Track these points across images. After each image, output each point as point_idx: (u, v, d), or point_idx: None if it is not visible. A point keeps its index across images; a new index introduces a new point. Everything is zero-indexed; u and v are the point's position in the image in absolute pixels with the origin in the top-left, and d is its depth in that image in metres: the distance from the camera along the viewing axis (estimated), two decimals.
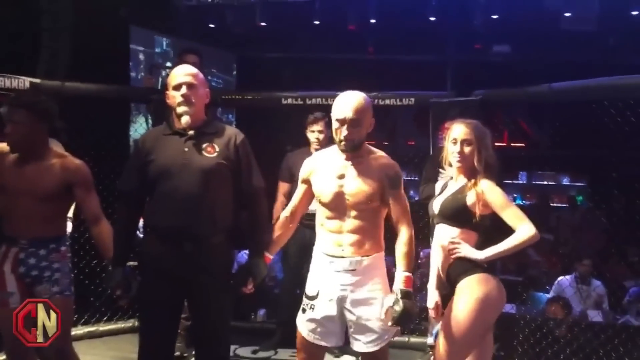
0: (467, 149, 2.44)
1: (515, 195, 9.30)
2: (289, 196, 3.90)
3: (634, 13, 5.18)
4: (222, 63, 7.47)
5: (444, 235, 2.47)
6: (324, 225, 2.46)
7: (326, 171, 2.46)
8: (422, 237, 3.87)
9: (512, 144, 8.76)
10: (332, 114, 2.41)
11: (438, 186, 2.67)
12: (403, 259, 2.39)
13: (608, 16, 5.37)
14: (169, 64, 5.62)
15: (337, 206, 2.41)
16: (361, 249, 2.40)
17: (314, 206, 2.54)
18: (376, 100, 3.89)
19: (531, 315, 4.11)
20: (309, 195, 2.54)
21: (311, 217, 2.60)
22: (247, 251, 5.88)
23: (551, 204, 9.25)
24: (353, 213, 2.40)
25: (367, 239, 2.40)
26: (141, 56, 6.38)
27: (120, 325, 4.31)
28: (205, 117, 2.50)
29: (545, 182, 9.66)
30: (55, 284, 2.55)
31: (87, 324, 4.22)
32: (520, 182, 9.49)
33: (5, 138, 2.53)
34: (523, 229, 2.35)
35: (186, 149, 2.41)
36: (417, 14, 5.91)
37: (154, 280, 2.42)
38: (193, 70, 2.48)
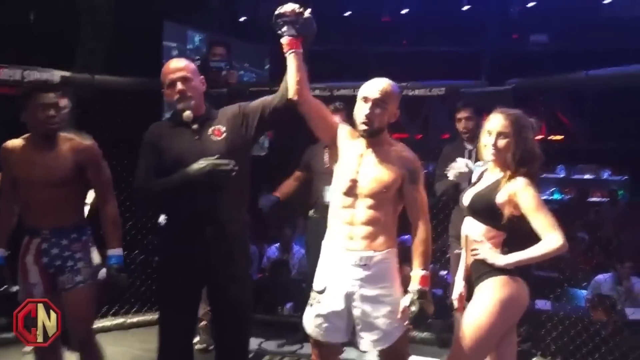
0: (501, 143, 2.30)
1: (553, 189, 9.08)
2: (299, 182, 3.94)
3: None
4: (255, 57, 7.44)
5: (471, 230, 2.39)
6: (336, 215, 2.39)
7: (347, 152, 2.40)
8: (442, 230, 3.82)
9: (550, 137, 8.53)
10: (358, 94, 2.36)
11: (475, 174, 2.58)
12: (419, 257, 2.32)
13: None
14: (197, 58, 5.69)
15: (352, 193, 2.34)
16: (374, 243, 2.32)
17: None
18: (406, 91, 3.81)
19: (566, 312, 3.98)
20: (332, 132, 2.43)
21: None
22: (277, 245, 5.93)
23: (590, 199, 8.97)
24: (367, 202, 2.33)
25: (380, 232, 2.33)
26: (174, 52, 6.43)
27: (149, 317, 4.34)
28: (205, 105, 2.51)
29: (585, 176, 9.38)
30: (77, 273, 2.57)
31: (117, 315, 4.27)
32: (559, 176, 9.24)
33: (43, 124, 2.54)
34: (550, 239, 2.20)
35: (196, 137, 2.43)
36: (451, 3, 5.80)
37: (175, 270, 2.43)
38: (182, 63, 2.48)
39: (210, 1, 6.34)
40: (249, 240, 2.59)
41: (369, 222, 2.33)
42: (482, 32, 6.43)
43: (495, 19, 6.13)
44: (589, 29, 6.01)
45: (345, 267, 2.33)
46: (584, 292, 5.11)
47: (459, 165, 3.26)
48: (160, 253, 2.52)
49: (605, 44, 6.02)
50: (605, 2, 5.07)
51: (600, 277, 4.78)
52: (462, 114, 3.70)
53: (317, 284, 2.43)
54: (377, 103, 2.31)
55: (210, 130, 2.43)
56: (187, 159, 2.37)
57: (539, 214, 2.23)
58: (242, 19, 6.52)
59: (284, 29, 2.26)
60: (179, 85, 2.41)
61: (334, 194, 2.42)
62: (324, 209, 2.65)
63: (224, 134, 2.43)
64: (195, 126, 2.42)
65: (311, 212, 3.84)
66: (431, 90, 3.90)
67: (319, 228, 2.79)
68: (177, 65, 2.46)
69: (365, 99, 2.33)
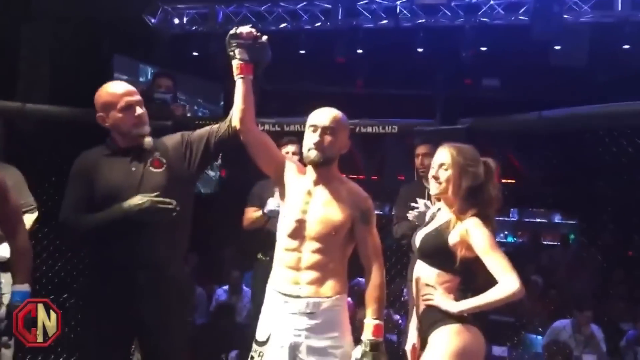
0: (443, 175, 2.19)
1: (506, 232, 9.13)
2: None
3: (626, 47, 5.07)
4: (209, 93, 7.36)
5: (422, 274, 2.23)
6: (280, 259, 2.20)
7: (293, 189, 2.23)
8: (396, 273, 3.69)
9: (503, 180, 8.59)
10: (307, 123, 2.22)
11: (428, 214, 2.45)
12: (372, 304, 2.13)
13: (598, 50, 5.28)
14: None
15: (298, 235, 2.16)
16: (321, 288, 2.13)
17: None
18: (358, 128, 3.71)
19: None
20: (277, 166, 2.26)
21: None
22: (226, 287, 5.66)
23: (543, 242, 9.06)
24: (314, 245, 2.15)
25: (328, 277, 2.14)
26: None
27: None
28: None
29: (537, 220, 9.49)
30: None
31: None
32: (512, 219, 9.31)
33: None
34: (506, 282, 2.06)
35: (133, 169, 2.21)
36: (405, 46, 5.82)
37: (101, 320, 2.16)
38: (132, 87, 2.30)
39: (162, 36, 6.21)
40: (193, 283, 2.37)
41: (316, 267, 2.14)
42: (436, 74, 6.48)
43: (448, 62, 6.20)
44: (539, 75, 6.12)
45: (290, 316, 2.12)
46: (541, 337, 5.03)
47: (419, 206, 3.13)
48: (84, 299, 2.26)
49: (555, 89, 6.15)
50: (555, 48, 5.16)
51: (558, 323, 4.67)
52: (420, 150, 3.58)
53: (259, 334, 2.21)
54: (326, 131, 2.17)
55: (149, 161, 2.22)
56: (122, 192, 2.14)
57: (492, 255, 2.09)
58: (196, 55, 6.41)
59: (237, 52, 2.11)
60: (139, 110, 2.22)
61: (278, 236, 2.24)
62: (274, 250, 2.46)
63: (165, 166, 2.22)
64: (157, 154, 2.23)
65: (260, 255, 3.62)
66: (384, 128, 3.81)
67: (269, 272, 2.60)
68: (131, 88, 2.26)
69: (314, 127, 2.18)
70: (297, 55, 6.08)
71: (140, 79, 6.47)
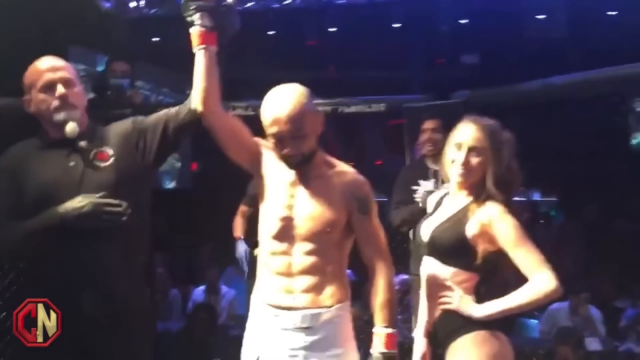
0: (474, 160, 1.87)
1: None
2: (246, 219, 3.45)
3: (611, 13, 4.84)
4: (174, 82, 6.99)
5: (434, 273, 1.92)
6: (267, 264, 1.85)
7: (274, 181, 1.87)
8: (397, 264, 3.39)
9: None
10: (264, 125, 1.83)
11: (431, 201, 2.14)
12: (382, 310, 1.81)
13: (580, 20, 5.06)
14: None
15: (285, 236, 1.82)
16: (319, 296, 1.80)
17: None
18: (340, 109, 3.38)
19: (520, 345, 3.61)
20: (251, 155, 1.91)
21: None
22: (204, 287, 5.37)
23: (524, 221, 8.90)
24: (306, 247, 1.80)
25: (327, 283, 1.81)
26: (82, 73, 5.86)
27: None
28: (87, 120, 1.95)
29: (516, 198, 9.33)
30: None
31: None
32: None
33: None
34: (541, 280, 1.77)
35: (72, 164, 1.84)
36: (381, 22, 5.54)
37: (41, 350, 1.80)
38: (61, 62, 1.91)
39: (118, 22, 5.80)
40: (151, 303, 2.01)
41: (311, 271, 1.79)
42: (414, 50, 6.21)
43: (424, 37, 5.94)
44: (520, 46, 5.89)
45: (284, 332, 1.78)
46: (535, 321, 4.83)
47: (427, 186, 2.78)
48: None
49: (537, 60, 5.92)
50: (538, 17, 4.91)
51: (554, 306, 4.47)
52: (428, 125, 3.22)
53: (246, 355, 1.86)
54: (293, 134, 1.78)
55: (92, 154, 1.85)
56: (59, 193, 1.77)
57: (522, 248, 1.79)
58: (157, 41, 6.02)
59: (196, 17, 1.74)
60: (60, 88, 1.83)
61: (262, 238, 1.89)
62: None
63: (112, 159, 1.85)
64: (82, 143, 1.85)
65: (256, 251, 3.29)
66: (370, 107, 3.47)
67: None
68: (55, 64, 1.88)
69: (278, 135, 1.79)
70: (264, 39, 5.76)
71: (99, 69, 6.09)
